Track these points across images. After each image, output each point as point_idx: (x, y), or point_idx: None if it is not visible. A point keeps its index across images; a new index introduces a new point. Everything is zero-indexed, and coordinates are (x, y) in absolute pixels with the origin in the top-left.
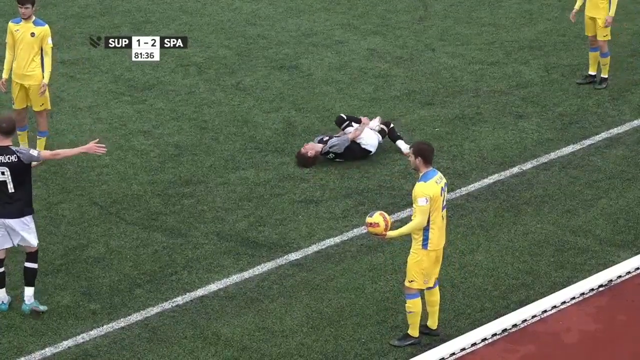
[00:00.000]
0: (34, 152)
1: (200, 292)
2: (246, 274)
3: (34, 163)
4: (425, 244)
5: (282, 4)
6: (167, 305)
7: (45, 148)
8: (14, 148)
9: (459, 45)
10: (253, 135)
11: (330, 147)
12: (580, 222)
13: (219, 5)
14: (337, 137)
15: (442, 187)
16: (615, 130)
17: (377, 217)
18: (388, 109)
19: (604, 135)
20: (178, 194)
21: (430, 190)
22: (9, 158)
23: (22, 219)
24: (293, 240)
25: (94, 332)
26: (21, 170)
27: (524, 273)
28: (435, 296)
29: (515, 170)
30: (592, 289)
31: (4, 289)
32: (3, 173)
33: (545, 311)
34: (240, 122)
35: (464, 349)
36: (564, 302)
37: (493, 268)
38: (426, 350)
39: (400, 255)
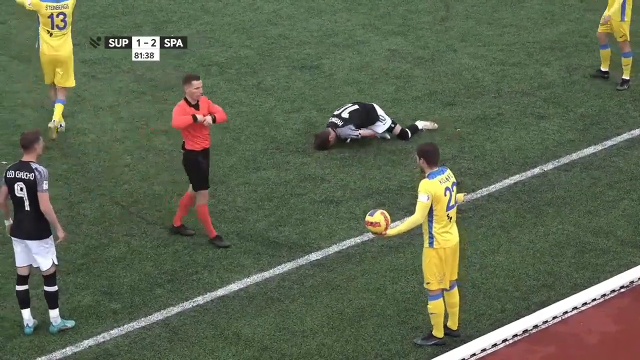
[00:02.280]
0: (45, 185)
1: (220, 291)
2: (267, 274)
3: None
4: (431, 242)
5: (303, 3)
6: (187, 304)
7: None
8: (33, 165)
9: (480, 46)
10: (274, 135)
11: (340, 135)
12: (601, 223)
13: (240, 5)
14: (351, 129)
15: (447, 187)
16: (637, 131)
17: (378, 216)
18: (409, 110)
19: (625, 136)
20: None
21: (432, 188)
22: (26, 175)
23: (39, 241)
24: (313, 240)
25: (115, 332)
26: (34, 190)
27: (545, 274)
28: (454, 298)
29: (536, 171)
30: (614, 290)
31: (28, 310)
32: (21, 189)
33: (566, 312)
34: (262, 122)
35: (484, 350)
36: (585, 303)
37: (514, 269)
38: (447, 351)
39: (421, 256)
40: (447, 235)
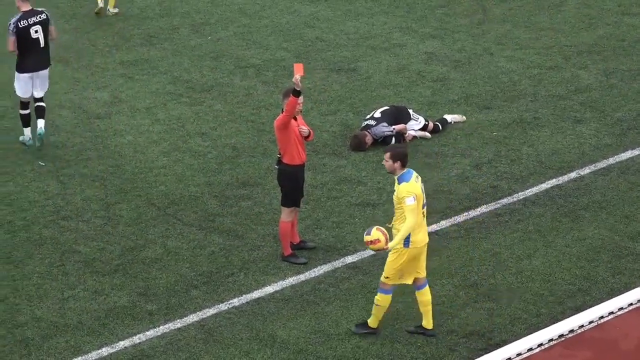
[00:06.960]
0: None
1: (256, 294)
2: (302, 277)
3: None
4: (406, 243)
5: (341, 6)
6: (223, 306)
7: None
8: (39, 8)
9: (517, 50)
10: None
11: (375, 135)
12: (638, 228)
13: (277, 8)
14: (384, 126)
15: (421, 185)
16: None
17: (376, 233)
18: (445, 113)
19: None
20: (235, 195)
21: (413, 188)
22: (39, 17)
23: (47, 69)
24: (349, 243)
25: (151, 333)
26: (48, 26)
27: (581, 279)
28: (426, 296)
29: (573, 175)
30: None
31: (29, 128)
32: (36, 31)
33: (602, 317)
34: None
35: (519, 354)
36: (621, 308)
37: (550, 273)
38: (481, 355)
39: (456, 259)
40: (421, 235)
